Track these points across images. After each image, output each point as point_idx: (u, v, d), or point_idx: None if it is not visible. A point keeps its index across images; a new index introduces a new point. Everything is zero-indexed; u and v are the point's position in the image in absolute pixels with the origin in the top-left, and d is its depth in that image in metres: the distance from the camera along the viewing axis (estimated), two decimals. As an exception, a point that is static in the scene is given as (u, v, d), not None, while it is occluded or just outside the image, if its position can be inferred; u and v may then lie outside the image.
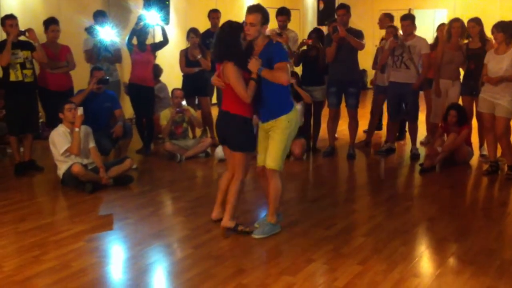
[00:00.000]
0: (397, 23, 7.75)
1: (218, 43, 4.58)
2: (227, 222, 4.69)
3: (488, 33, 6.95)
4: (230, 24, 4.62)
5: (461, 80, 7.37)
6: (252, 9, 4.59)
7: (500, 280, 3.90)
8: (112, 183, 6.05)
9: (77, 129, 5.90)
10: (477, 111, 7.00)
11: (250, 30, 4.52)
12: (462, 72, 7.40)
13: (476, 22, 7.05)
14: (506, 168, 6.61)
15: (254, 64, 4.46)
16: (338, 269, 4.03)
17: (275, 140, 4.57)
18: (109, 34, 7.57)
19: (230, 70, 4.48)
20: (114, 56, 7.77)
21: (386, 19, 8.51)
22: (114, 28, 7.69)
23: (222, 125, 4.72)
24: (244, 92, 4.45)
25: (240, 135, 4.60)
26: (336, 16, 7.56)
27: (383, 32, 8.47)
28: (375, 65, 8.30)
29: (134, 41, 7.53)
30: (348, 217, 5.24)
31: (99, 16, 7.74)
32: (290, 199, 5.69)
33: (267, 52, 4.53)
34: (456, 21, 7.35)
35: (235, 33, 4.54)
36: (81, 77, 7.78)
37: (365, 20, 12.66)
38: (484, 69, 6.49)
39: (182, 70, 8.25)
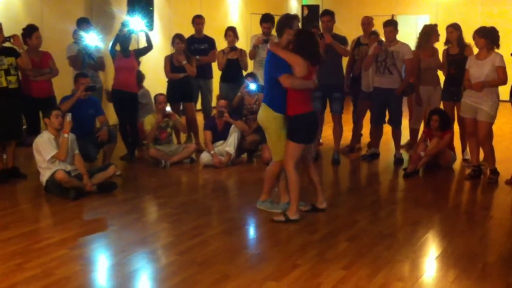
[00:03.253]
0: (379, 29, 7.79)
1: (318, 49, 5.32)
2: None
3: (468, 38, 7.03)
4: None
5: (442, 85, 7.43)
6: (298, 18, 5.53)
7: (484, 283, 3.94)
8: (96, 190, 6.01)
9: (66, 135, 5.89)
10: (459, 116, 7.07)
11: None
12: (442, 77, 7.47)
13: (454, 27, 7.12)
14: (488, 172, 6.67)
15: None
16: (322, 274, 4.04)
17: None
18: (93, 41, 7.56)
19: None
20: (97, 64, 7.76)
21: (372, 23, 8.49)
22: (98, 35, 7.68)
23: (316, 123, 5.42)
24: None
25: None
26: (320, 23, 7.60)
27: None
28: (350, 71, 8.28)
29: (118, 47, 7.51)
30: (332, 222, 5.25)
31: (83, 23, 7.73)
32: (275, 204, 5.70)
33: None
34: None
35: None
36: (62, 83, 7.75)
37: (349, 26, 12.74)
38: (466, 75, 6.55)
39: (167, 75, 8.24)
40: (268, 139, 5.38)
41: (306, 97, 5.24)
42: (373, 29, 8.17)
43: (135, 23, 7.80)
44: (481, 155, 6.88)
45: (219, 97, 7.69)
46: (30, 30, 6.97)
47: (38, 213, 5.75)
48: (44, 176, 5.94)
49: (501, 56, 6.35)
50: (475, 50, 6.70)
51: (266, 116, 5.28)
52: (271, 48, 5.24)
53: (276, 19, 8.06)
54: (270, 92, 5.32)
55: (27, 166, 6.88)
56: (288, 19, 5.36)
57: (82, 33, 7.58)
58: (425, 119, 7.40)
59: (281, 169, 5.38)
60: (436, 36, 7.42)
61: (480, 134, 6.50)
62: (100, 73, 8.23)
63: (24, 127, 7.31)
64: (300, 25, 5.71)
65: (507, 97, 6.61)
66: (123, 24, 7.55)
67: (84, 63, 7.61)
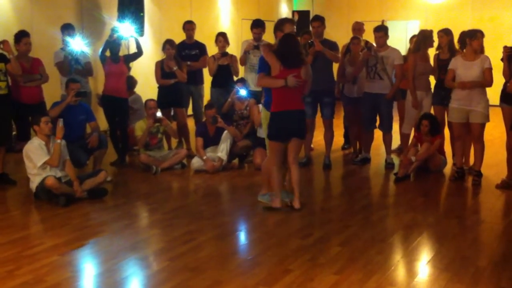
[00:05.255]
0: (370, 34, 7.81)
1: (297, 51, 5.48)
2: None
3: (457, 43, 7.08)
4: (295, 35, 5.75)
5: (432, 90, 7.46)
6: (294, 21, 5.99)
7: (476, 287, 3.95)
8: (86, 196, 5.97)
9: (58, 141, 5.86)
10: (448, 121, 7.10)
11: None
12: (432, 82, 7.50)
13: (445, 32, 7.15)
14: (473, 174, 6.73)
15: None
16: (315, 279, 4.03)
17: None
18: (79, 47, 7.52)
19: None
20: (84, 69, 7.72)
21: (362, 28, 8.47)
22: (85, 40, 7.65)
23: (296, 121, 5.53)
24: None
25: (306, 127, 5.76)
26: (311, 28, 7.62)
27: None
28: (342, 77, 8.19)
29: (108, 53, 7.49)
30: (324, 226, 5.25)
31: (67, 29, 7.68)
32: (266, 209, 5.69)
33: None
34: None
35: None
36: (51, 89, 7.72)
37: (339, 31, 12.79)
38: (450, 75, 6.59)
39: (157, 81, 8.23)
40: (265, 136, 5.85)
41: (287, 96, 5.47)
42: (356, 35, 8.12)
43: (125, 29, 7.78)
44: (471, 159, 6.93)
45: (207, 106, 7.64)
46: (20, 36, 6.93)
47: (28, 219, 5.71)
48: (34, 183, 5.89)
49: (489, 58, 6.46)
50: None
51: (262, 116, 5.90)
52: (261, 47, 5.74)
53: (267, 24, 8.16)
54: (265, 93, 5.77)
55: (17, 172, 6.83)
56: (280, 22, 5.75)
57: (68, 39, 7.55)
58: (415, 124, 7.42)
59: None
60: (431, 42, 7.44)
61: (475, 135, 6.61)
62: (90, 79, 8.19)
63: (14, 133, 7.27)
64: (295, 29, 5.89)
65: (497, 102, 6.64)
66: (113, 30, 7.53)
67: (72, 69, 7.57)
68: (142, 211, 5.97)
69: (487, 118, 6.57)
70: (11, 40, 6.78)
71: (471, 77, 6.42)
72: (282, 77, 5.40)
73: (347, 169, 7.77)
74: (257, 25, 7.92)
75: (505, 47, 6.42)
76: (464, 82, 6.44)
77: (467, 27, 7.03)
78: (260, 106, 6.18)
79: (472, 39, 6.48)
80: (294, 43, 5.50)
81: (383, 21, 12.83)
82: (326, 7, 15.47)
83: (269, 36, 8.20)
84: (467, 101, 6.50)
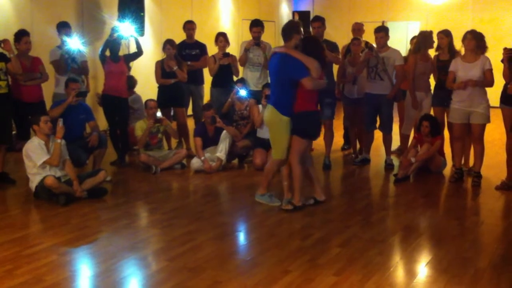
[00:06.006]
0: (370, 35, 7.81)
1: (323, 54, 5.74)
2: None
3: (458, 44, 7.08)
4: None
5: (432, 91, 7.47)
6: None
7: (474, 288, 3.95)
8: (86, 195, 5.97)
9: (59, 140, 5.86)
10: (449, 122, 7.09)
11: None
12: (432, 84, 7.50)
13: (445, 33, 7.17)
14: (473, 175, 6.75)
15: None
16: (314, 280, 4.03)
17: None
18: (75, 45, 7.51)
19: None
20: (80, 68, 7.71)
21: (362, 29, 8.48)
22: (82, 39, 7.65)
23: (317, 121, 5.81)
24: None
25: None
26: (311, 29, 7.61)
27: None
28: (342, 78, 8.06)
29: (108, 52, 7.49)
30: (324, 227, 5.25)
31: (63, 27, 7.68)
32: (266, 209, 5.69)
33: None
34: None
35: None
36: (51, 87, 7.72)
37: (340, 32, 12.79)
38: (450, 77, 6.60)
39: (157, 81, 8.22)
40: (271, 137, 5.74)
41: (313, 97, 5.62)
42: (357, 36, 8.12)
43: (125, 28, 7.78)
44: (471, 161, 6.92)
45: (205, 107, 7.64)
46: (20, 35, 6.94)
47: (28, 219, 5.70)
48: (34, 182, 5.89)
49: (489, 59, 6.49)
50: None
51: (273, 118, 5.60)
52: (288, 51, 5.47)
53: (266, 25, 8.16)
54: (278, 94, 5.60)
55: (17, 172, 6.82)
56: (297, 25, 5.71)
57: (65, 38, 7.54)
58: (415, 125, 7.42)
59: (278, 167, 5.77)
60: (431, 42, 7.45)
61: (475, 136, 6.62)
62: (90, 78, 8.19)
63: (14, 132, 7.26)
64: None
65: (497, 103, 6.65)
66: (113, 29, 7.53)
67: (68, 68, 7.57)
68: (141, 211, 5.97)
69: (487, 119, 6.59)
70: (11, 39, 6.78)
71: (473, 77, 6.43)
72: (321, 79, 5.59)
73: (347, 170, 7.77)
74: (256, 24, 7.93)
75: (505, 49, 6.42)
76: (465, 81, 6.43)
77: (467, 28, 7.03)
78: (260, 106, 6.14)
79: (462, 40, 6.57)
80: (321, 45, 5.75)
81: (383, 22, 12.83)
82: (326, 7, 15.47)
83: (268, 36, 8.23)
84: (468, 102, 6.51)
